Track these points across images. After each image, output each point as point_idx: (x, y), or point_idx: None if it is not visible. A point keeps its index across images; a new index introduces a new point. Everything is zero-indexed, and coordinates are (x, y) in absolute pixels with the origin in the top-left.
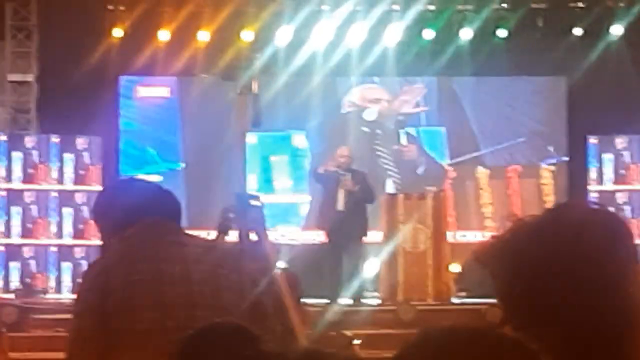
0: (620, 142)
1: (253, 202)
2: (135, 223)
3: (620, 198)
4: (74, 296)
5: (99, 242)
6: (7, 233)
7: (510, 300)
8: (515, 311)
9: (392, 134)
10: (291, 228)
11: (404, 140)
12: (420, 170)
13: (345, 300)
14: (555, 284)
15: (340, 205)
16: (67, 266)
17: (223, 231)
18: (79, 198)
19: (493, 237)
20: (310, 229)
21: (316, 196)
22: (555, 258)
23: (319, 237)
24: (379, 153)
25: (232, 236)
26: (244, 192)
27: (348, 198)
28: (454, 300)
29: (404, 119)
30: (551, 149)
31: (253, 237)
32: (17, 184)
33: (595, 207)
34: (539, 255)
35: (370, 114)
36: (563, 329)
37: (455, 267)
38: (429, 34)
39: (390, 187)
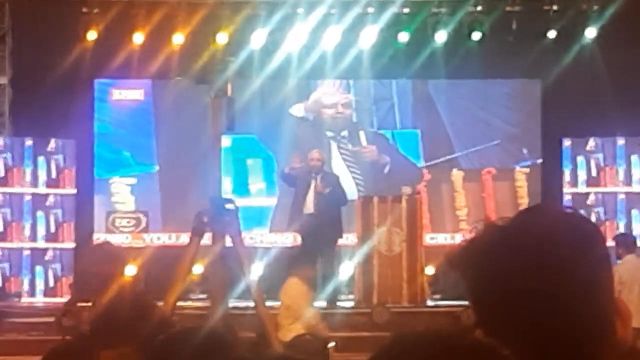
0: (592, 144)
1: (228, 206)
2: None
3: (593, 200)
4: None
5: (71, 245)
6: None
7: (480, 304)
8: (486, 315)
9: (354, 135)
10: (265, 231)
11: (363, 141)
12: (386, 170)
13: (320, 303)
14: (523, 289)
15: (310, 207)
16: (40, 269)
17: (197, 234)
18: (53, 201)
19: (464, 240)
20: (276, 232)
21: (284, 199)
22: (524, 263)
23: (288, 239)
24: (343, 156)
25: (207, 239)
26: (218, 196)
27: (319, 200)
28: (429, 302)
29: (357, 121)
30: (525, 151)
31: (228, 240)
32: None
33: (567, 210)
34: (508, 259)
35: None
36: (530, 335)
37: (429, 270)
38: (403, 36)
39: (354, 190)
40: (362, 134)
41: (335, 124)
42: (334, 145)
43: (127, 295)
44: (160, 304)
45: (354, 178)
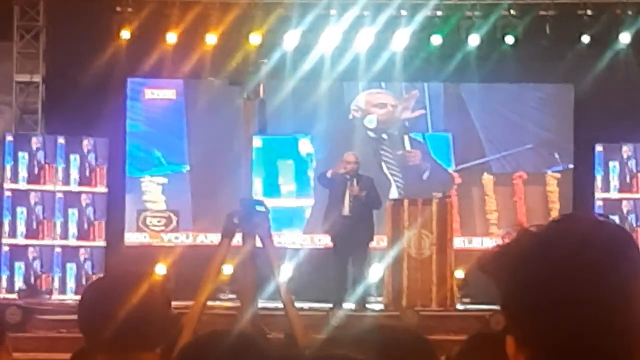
0: (626, 150)
1: (259, 208)
2: None
3: (626, 206)
4: (78, 298)
5: (103, 244)
6: (13, 233)
7: (512, 311)
8: (517, 322)
9: (398, 139)
10: (296, 232)
11: (408, 145)
12: (425, 176)
13: (349, 305)
14: (555, 297)
15: (347, 210)
16: (71, 267)
17: (228, 236)
18: (85, 199)
19: (497, 245)
20: (311, 233)
21: (321, 201)
22: (557, 271)
23: (322, 241)
24: (384, 159)
25: (237, 240)
26: (249, 198)
27: (354, 203)
28: (458, 306)
29: (408, 125)
30: (557, 156)
31: (258, 242)
32: (22, 185)
33: (602, 219)
34: (542, 267)
35: (371, 122)
36: (563, 343)
37: (459, 274)
38: (436, 39)
39: (394, 193)
40: (406, 138)
41: (379, 126)
42: (376, 146)
43: (158, 296)
44: (191, 303)
45: (395, 181)
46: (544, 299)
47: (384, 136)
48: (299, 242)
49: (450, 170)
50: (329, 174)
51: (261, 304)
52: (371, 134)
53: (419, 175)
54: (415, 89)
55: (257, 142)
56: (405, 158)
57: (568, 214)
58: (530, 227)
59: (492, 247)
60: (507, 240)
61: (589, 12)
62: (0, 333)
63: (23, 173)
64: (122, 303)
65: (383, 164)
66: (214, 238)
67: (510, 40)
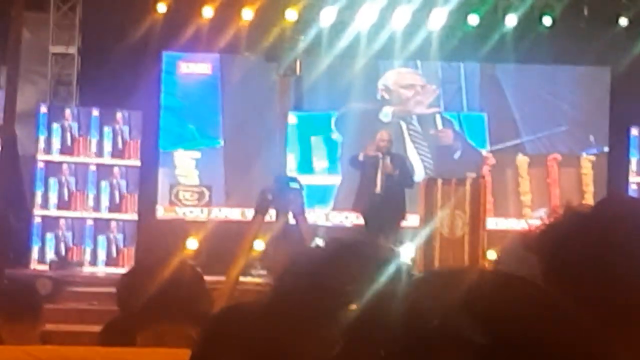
0: None
1: (292, 185)
2: None
3: None
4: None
5: (134, 217)
6: (44, 204)
7: (556, 290)
8: None
9: (429, 118)
10: (327, 209)
11: (440, 124)
12: (456, 155)
13: None
14: (598, 276)
15: (379, 188)
16: (103, 239)
17: (261, 212)
18: (117, 172)
19: (543, 224)
20: (340, 210)
21: (350, 178)
22: (601, 250)
23: (348, 218)
24: (412, 138)
25: (269, 216)
26: (283, 175)
27: (386, 181)
28: None
29: (442, 103)
30: (592, 139)
31: (291, 219)
32: (55, 156)
33: None
34: (586, 247)
35: (386, 115)
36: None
37: (491, 254)
38: (473, 19)
39: (421, 173)
40: (438, 117)
41: (408, 106)
42: (403, 125)
43: (187, 269)
44: (222, 278)
45: (422, 160)
46: (586, 278)
47: (414, 115)
48: (330, 219)
49: (485, 150)
50: (360, 157)
51: None
52: (400, 113)
53: (450, 155)
54: (434, 85)
55: (292, 118)
56: (437, 137)
57: (613, 195)
58: (576, 206)
59: (537, 225)
60: (551, 220)
61: None
62: (37, 305)
63: (56, 144)
64: (153, 278)
65: (412, 143)
66: (247, 213)
67: (547, 21)
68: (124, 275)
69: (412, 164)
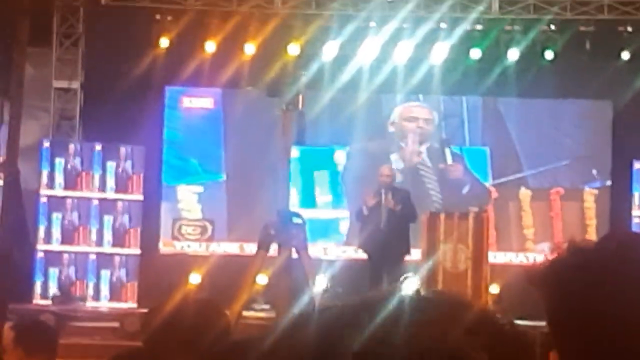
0: None
1: (295, 220)
2: None
3: None
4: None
5: (137, 251)
6: (47, 239)
7: (558, 326)
8: (563, 337)
9: (438, 152)
10: (331, 244)
11: (449, 159)
12: (465, 190)
13: None
14: (604, 313)
15: (382, 224)
16: (105, 274)
17: (264, 247)
18: (120, 206)
19: (546, 259)
20: (350, 245)
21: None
22: (606, 288)
23: (358, 253)
24: (421, 172)
25: (272, 250)
26: (286, 210)
27: (389, 216)
28: None
29: (448, 138)
30: (595, 172)
31: (293, 253)
32: (58, 191)
33: None
34: (591, 283)
35: (396, 162)
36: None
37: (494, 288)
38: (475, 53)
39: (430, 207)
40: (447, 151)
41: (415, 138)
42: (422, 148)
43: (190, 303)
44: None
45: (431, 195)
46: (592, 315)
47: (422, 149)
48: (334, 254)
49: (487, 184)
50: (364, 211)
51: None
52: (415, 138)
53: (458, 189)
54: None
55: (294, 152)
56: (446, 171)
57: (616, 231)
58: (580, 242)
59: (541, 261)
60: (555, 255)
61: (629, 29)
62: (54, 340)
63: (59, 179)
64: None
65: (420, 177)
66: (249, 247)
67: (549, 55)
68: (147, 313)
69: (411, 201)
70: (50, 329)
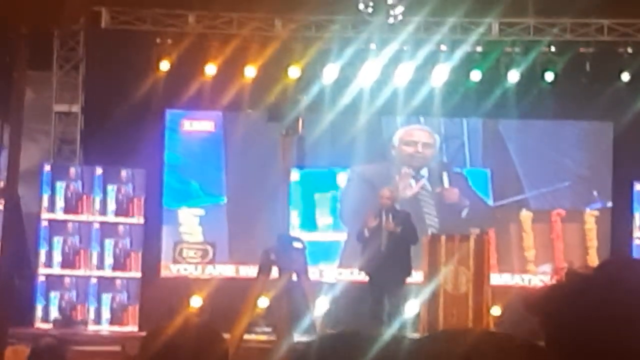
0: None
1: (295, 245)
2: None
3: None
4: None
5: (138, 275)
6: (48, 263)
7: (557, 351)
8: None
9: (436, 176)
10: (332, 266)
11: (446, 183)
12: (464, 214)
13: None
14: (602, 340)
15: (383, 246)
16: (107, 298)
17: (264, 272)
18: (121, 230)
19: (545, 285)
20: (345, 267)
21: (354, 234)
22: (605, 314)
23: (357, 275)
24: (419, 197)
25: (273, 275)
26: (286, 235)
27: (390, 239)
28: None
29: (448, 162)
30: (596, 194)
31: (294, 276)
32: (59, 214)
33: None
34: (589, 310)
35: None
36: None
37: (496, 310)
38: (476, 75)
39: (425, 232)
40: (445, 175)
41: (413, 162)
42: (413, 182)
43: (191, 326)
44: (226, 336)
45: (427, 219)
46: (590, 341)
47: (422, 173)
48: (334, 276)
49: (489, 205)
50: (366, 233)
51: (296, 337)
52: (408, 171)
53: (457, 213)
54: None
55: (295, 175)
56: (443, 196)
57: (615, 256)
58: (578, 268)
59: (540, 287)
60: (554, 280)
61: (629, 50)
62: None
63: (60, 202)
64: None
65: (419, 202)
66: (250, 270)
67: (549, 76)
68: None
69: (412, 223)
70: (61, 355)
